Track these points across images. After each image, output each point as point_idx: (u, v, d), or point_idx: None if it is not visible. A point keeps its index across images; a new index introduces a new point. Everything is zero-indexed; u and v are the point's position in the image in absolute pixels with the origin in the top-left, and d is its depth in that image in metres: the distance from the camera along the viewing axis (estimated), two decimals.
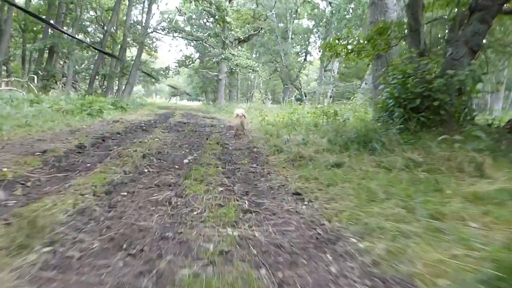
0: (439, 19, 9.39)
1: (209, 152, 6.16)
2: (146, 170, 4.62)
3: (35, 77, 18.89)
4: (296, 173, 4.79)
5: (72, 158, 5.01)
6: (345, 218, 3.02)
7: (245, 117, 9.27)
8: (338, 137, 7.10)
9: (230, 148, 7.01)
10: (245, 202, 3.48)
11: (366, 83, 24.80)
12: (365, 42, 9.60)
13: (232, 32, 24.42)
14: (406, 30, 9.31)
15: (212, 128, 11.38)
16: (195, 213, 3.09)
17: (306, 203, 3.54)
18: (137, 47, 27.17)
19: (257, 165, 5.44)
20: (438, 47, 8.87)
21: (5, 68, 31.55)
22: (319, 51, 33.57)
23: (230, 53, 24.14)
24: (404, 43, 10.95)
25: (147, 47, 32.84)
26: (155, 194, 3.61)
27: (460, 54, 7.32)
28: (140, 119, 13.50)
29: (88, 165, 4.74)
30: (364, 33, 13.50)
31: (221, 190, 3.85)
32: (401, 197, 3.45)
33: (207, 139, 8.13)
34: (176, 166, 4.98)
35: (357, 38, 11.65)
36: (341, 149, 6.14)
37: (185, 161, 5.37)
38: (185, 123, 12.62)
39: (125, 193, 3.58)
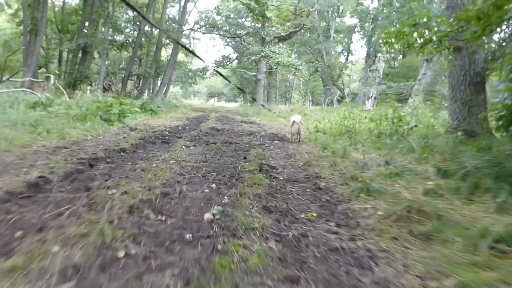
0: None
1: (249, 190, 3.64)
2: (121, 254, 2.16)
3: (52, 77, 17.11)
4: (435, 263, 2.19)
5: None
6: None
7: (302, 124, 8.57)
8: (450, 161, 4.44)
9: (281, 178, 4.47)
10: None
11: (420, 84, 21.70)
12: (464, 23, 6.78)
13: (273, 29, 21.88)
14: None
15: (251, 137, 8.91)
16: None
17: None
18: (172, 46, 25.15)
19: (338, 226, 2.88)
20: None
21: (45, 70, 30.64)
22: (381, 43, 30.48)
23: (270, 51, 21.61)
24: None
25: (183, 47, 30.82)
26: None
27: None
28: (167, 124, 11.25)
29: (6, 239, 2.34)
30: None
31: None
32: None
33: (245, 158, 5.64)
34: (187, 236, 2.49)
35: (438, 22, 8.81)
36: (471, 189, 3.50)
37: (207, 216, 2.88)
38: (218, 130, 10.23)
39: None
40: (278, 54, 21.53)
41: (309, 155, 6.27)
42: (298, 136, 8.43)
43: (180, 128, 10.39)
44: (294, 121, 8.31)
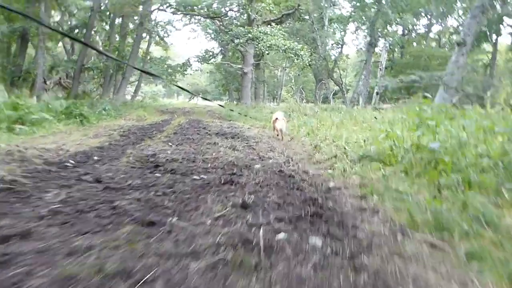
0: None
1: None
2: None
3: None
4: None
5: None
6: None
7: (285, 120, 7.76)
8: None
9: None
10: None
11: (452, 74, 15.83)
12: None
13: (263, 4, 15.67)
14: None
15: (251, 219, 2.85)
16: None
17: None
18: (137, 31, 18.78)
19: None
20: None
21: None
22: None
23: (260, 32, 15.44)
24: None
25: (154, 34, 24.50)
26: None
27: None
28: (54, 150, 5.15)
29: None
30: None
31: None
32: None
33: None
34: None
35: None
36: None
37: None
38: (141, 188, 4.14)
39: None
40: (271, 35, 15.39)
41: None
42: (281, 134, 7.42)
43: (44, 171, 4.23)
44: (277, 118, 7.54)
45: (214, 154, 5.20)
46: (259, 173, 4.09)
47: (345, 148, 6.02)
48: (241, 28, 16.07)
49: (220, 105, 13.19)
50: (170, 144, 5.94)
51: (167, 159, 4.58)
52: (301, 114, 13.58)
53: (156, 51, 36.85)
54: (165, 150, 5.27)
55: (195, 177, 3.74)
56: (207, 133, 7.87)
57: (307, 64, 18.08)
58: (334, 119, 10.88)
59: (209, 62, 33.48)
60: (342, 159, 5.10)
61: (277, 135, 7.64)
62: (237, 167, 4.40)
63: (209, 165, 4.45)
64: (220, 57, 35.65)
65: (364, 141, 6.41)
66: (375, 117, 9.53)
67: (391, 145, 5.17)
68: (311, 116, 12.75)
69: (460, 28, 35.84)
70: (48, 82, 23.39)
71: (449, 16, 34.11)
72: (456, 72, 15.24)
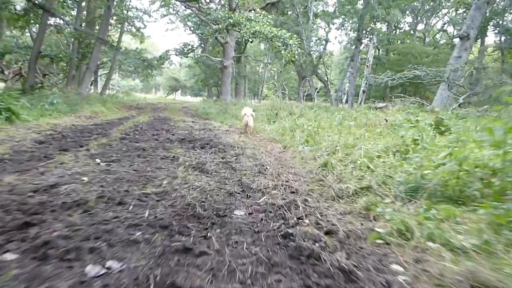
0: None
1: None
2: None
3: None
4: None
5: None
6: None
7: (253, 116, 7.76)
8: None
9: None
10: None
11: (455, 70, 13.88)
12: None
13: None
14: None
15: None
16: None
17: None
18: (104, 17, 16.10)
19: None
20: None
21: None
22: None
23: (242, 17, 13.09)
24: None
25: (127, 22, 21.91)
26: None
27: None
28: None
29: None
30: None
31: None
32: None
33: None
34: None
35: None
36: None
37: None
38: None
39: None
40: (255, 21, 13.03)
41: None
42: (250, 129, 7.49)
43: None
44: (245, 114, 7.46)
45: (164, 182, 2.96)
46: (243, 243, 1.88)
47: (368, 168, 3.90)
48: (220, 12, 13.68)
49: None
50: (98, 160, 3.63)
51: (66, 202, 2.31)
52: (288, 113, 11.43)
53: (133, 44, 34.05)
54: (81, 175, 2.98)
55: (89, 268, 1.51)
56: (168, 138, 5.55)
57: (295, 57, 15.73)
58: (331, 120, 8.73)
59: (188, 55, 30.95)
60: (381, 194, 2.96)
61: (246, 129, 7.64)
62: (201, 220, 2.18)
63: (145, 214, 2.21)
64: (199, 50, 33.16)
65: (394, 155, 4.32)
66: (385, 119, 7.43)
67: (456, 171, 3.07)
68: (300, 115, 10.60)
69: (445, 26, 34.53)
70: (6, 72, 20.39)
71: (434, 14, 32.66)
72: (460, 68, 13.33)
